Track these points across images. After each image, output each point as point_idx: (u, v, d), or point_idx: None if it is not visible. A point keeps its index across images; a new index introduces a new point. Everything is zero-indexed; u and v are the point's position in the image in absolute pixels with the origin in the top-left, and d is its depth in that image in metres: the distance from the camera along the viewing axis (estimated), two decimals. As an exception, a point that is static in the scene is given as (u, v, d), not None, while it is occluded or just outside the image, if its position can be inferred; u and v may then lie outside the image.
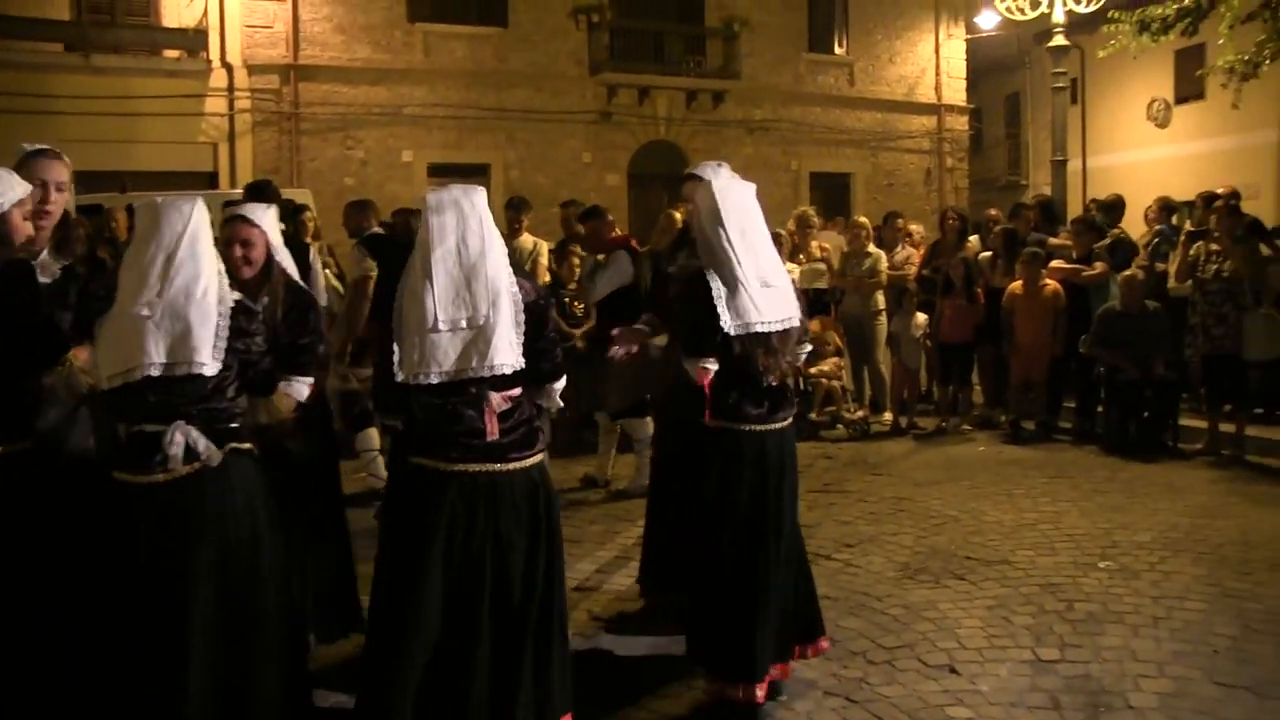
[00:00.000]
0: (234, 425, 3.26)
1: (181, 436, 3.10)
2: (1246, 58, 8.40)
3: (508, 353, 3.34)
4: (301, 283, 4.42)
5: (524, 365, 3.39)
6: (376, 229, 7.65)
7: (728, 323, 3.94)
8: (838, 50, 23.35)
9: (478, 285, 3.31)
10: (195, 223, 3.23)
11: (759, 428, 4.08)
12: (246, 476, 3.26)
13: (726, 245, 4.00)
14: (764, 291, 4.01)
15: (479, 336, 3.31)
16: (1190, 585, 5.43)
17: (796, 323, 4.13)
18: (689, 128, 21.46)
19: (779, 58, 22.29)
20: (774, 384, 4.10)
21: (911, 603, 5.20)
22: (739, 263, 3.98)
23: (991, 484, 7.70)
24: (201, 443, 3.12)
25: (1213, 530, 6.46)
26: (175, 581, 3.09)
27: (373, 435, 7.30)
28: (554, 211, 10.86)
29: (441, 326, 3.27)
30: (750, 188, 4.17)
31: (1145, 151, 26.25)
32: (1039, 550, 6.06)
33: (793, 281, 4.29)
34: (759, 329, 3.98)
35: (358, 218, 7.75)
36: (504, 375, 3.33)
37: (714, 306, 3.94)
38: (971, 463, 8.49)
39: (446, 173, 19.12)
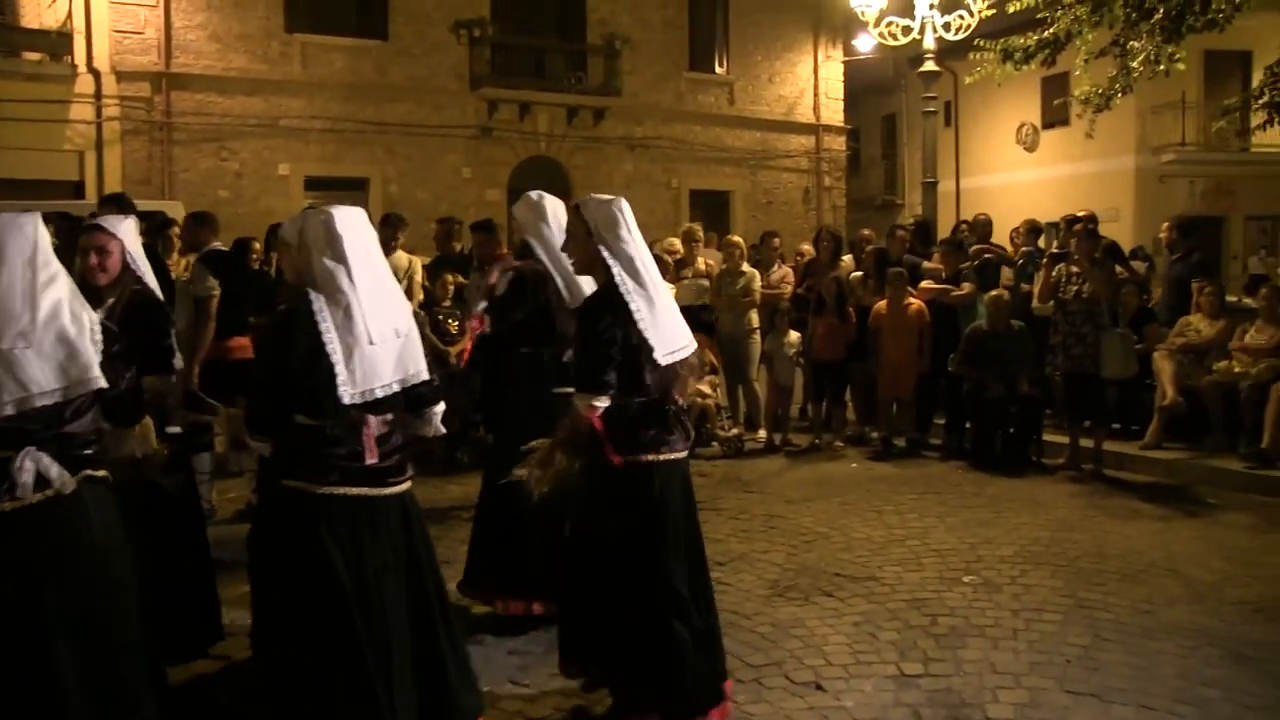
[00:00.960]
0: (88, 452, 3.13)
1: (32, 463, 2.96)
2: (1100, 90, 8.72)
3: (423, 362, 3.41)
4: (160, 294, 4.36)
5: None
6: (217, 245, 7.43)
7: (658, 349, 3.78)
8: (718, 69, 23.60)
9: (396, 298, 3.41)
10: (41, 238, 3.10)
11: (675, 456, 3.95)
12: (101, 505, 3.13)
13: (638, 264, 3.88)
14: (671, 313, 3.90)
15: (405, 348, 3.36)
16: (1048, 597, 5.60)
17: (694, 344, 4.03)
18: (570, 144, 21.48)
19: (660, 76, 22.47)
20: (675, 410, 3.96)
21: (780, 620, 5.25)
22: (652, 284, 3.85)
23: (862, 500, 7.83)
24: (54, 469, 2.99)
25: (1071, 543, 6.67)
26: (30, 612, 2.96)
27: (206, 459, 7.10)
28: (433, 227, 10.74)
29: (376, 340, 3.28)
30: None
31: (1015, 174, 27.17)
32: (906, 566, 6.18)
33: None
34: (680, 355, 3.86)
35: (198, 232, 7.45)
36: (380, 400, 3.32)
37: (638, 331, 3.76)
38: (843, 480, 8.62)
39: (324, 186, 18.84)
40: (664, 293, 3.90)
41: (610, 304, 3.80)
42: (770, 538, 6.82)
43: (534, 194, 5.30)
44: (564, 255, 4.36)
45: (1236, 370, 9.07)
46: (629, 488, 3.85)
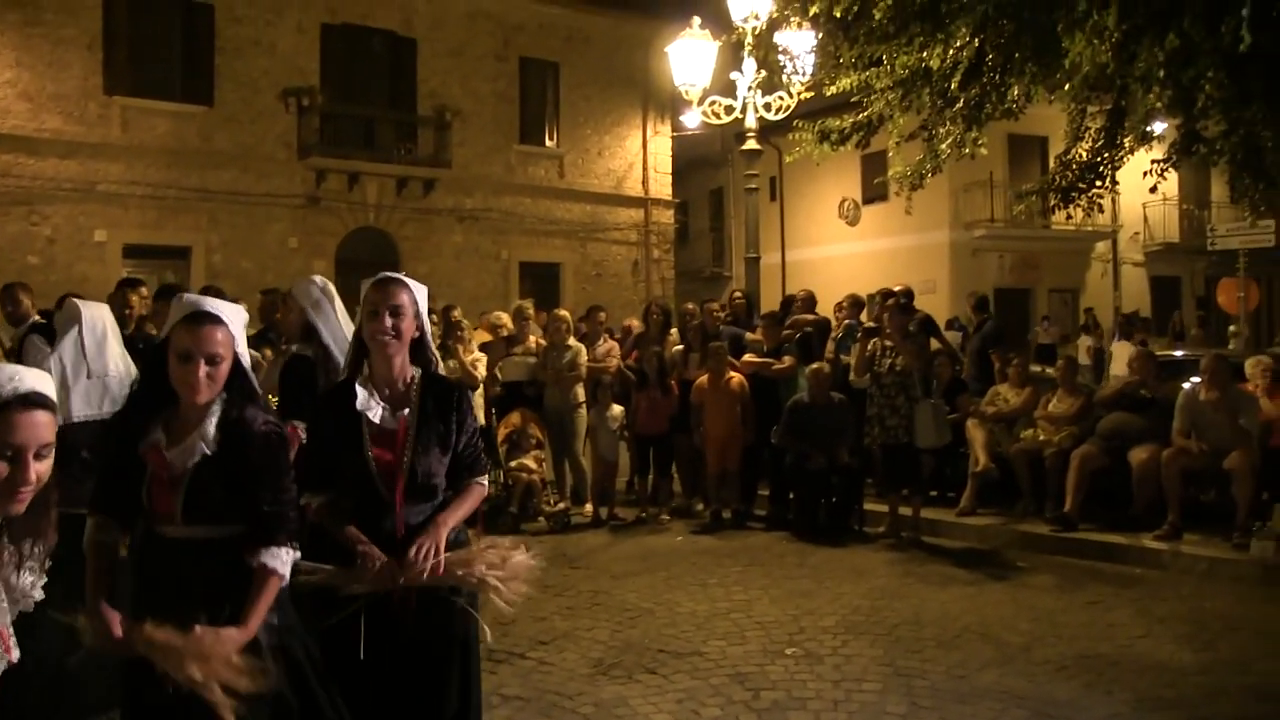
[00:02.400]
0: None
1: None
2: (912, 170, 9.13)
3: None
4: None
5: None
6: (36, 316, 7.13)
7: None
8: (548, 143, 23.82)
9: None
10: None
11: None
12: None
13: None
14: None
15: None
16: (868, 667, 5.69)
17: None
18: (399, 215, 21.29)
19: (490, 148, 22.55)
20: None
21: (603, 700, 5.19)
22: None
23: (687, 574, 7.84)
24: None
25: (890, 611, 6.81)
26: None
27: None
28: (257, 298, 10.44)
29: None
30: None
31: (838, 247, 28.11)
32: (730, 640, 6.19)
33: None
34: None
35: (16, 302, 7.18)
36: None
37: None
38: (669, 553, 8.64)
39: (144, 254, 18.26)
40: None
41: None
42: (595, 614, 6.77)
43: (318, 278, 5.26)
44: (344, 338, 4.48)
45: (1041, 438, 9.51)
46: None
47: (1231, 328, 20.71)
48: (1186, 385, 9.07)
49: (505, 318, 10.58)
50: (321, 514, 3.38)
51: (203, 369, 2.92)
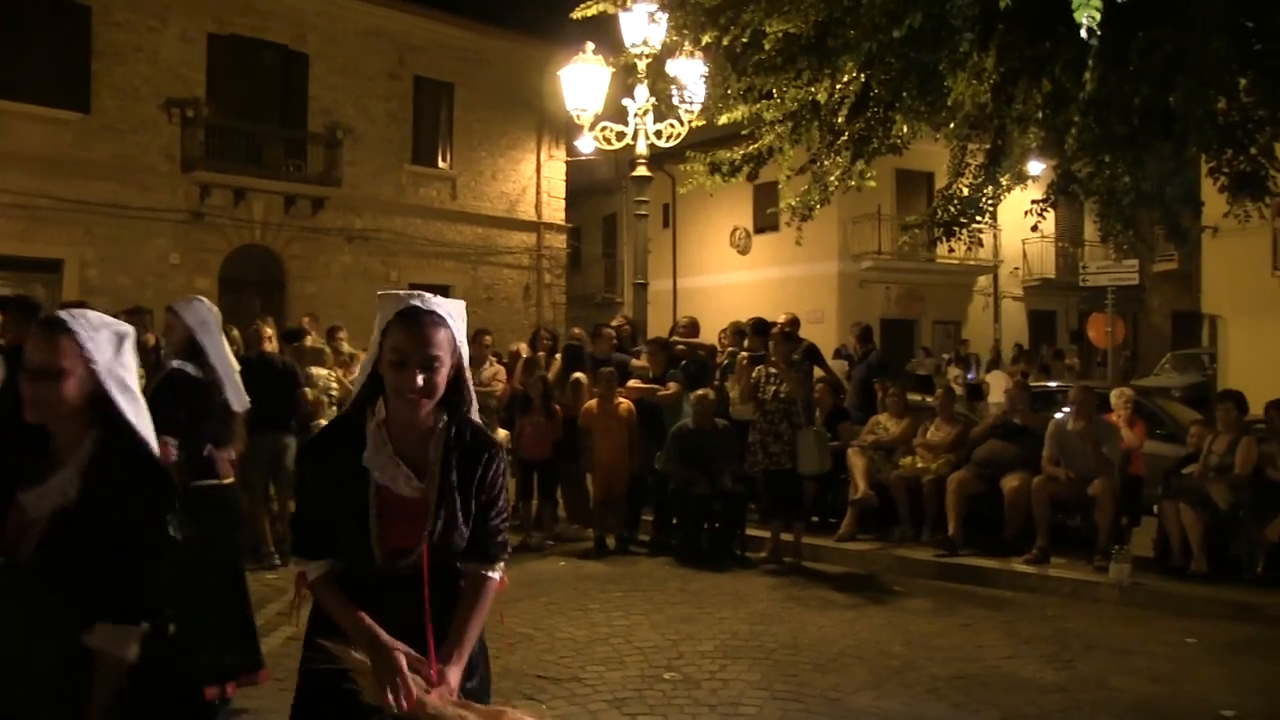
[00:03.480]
0: None
1: None
2: (800, 202, 9.30)
3: None
4: None
5: None
6: None
7: None
8: (441, 164, 23.67)
9: None
10: None
11: None
12: None
13: None
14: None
15: None
16: (745, 690, 5.76)
17: None
18: (286, 233, 20.89)
19: (382, 167, 22.32)
20: None
21: (480, 728, 5.15)
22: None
23: (569, 600, 7.85)
24: None
25: (769, 635, 6.90)
26: None
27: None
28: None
29: None
30: None
31: (730, 275, 28.42)
32: (609, 665, 6.21)
33: None
34: None
35: None
36: None
37: None
38: (551, 579, 8.63)
39: (12, 267, 17.54)
40: None
41: None
42: (475, 640, 6.71)
43: (205, 300, 5.29)
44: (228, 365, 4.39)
45: (919, 465, 9.75)
46: None
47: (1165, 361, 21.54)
48: (1059, 415, 9.39)
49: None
50: (319, 588, 2.64)
51: (420, 376, 2.55)
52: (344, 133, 21.25)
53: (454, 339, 2.65)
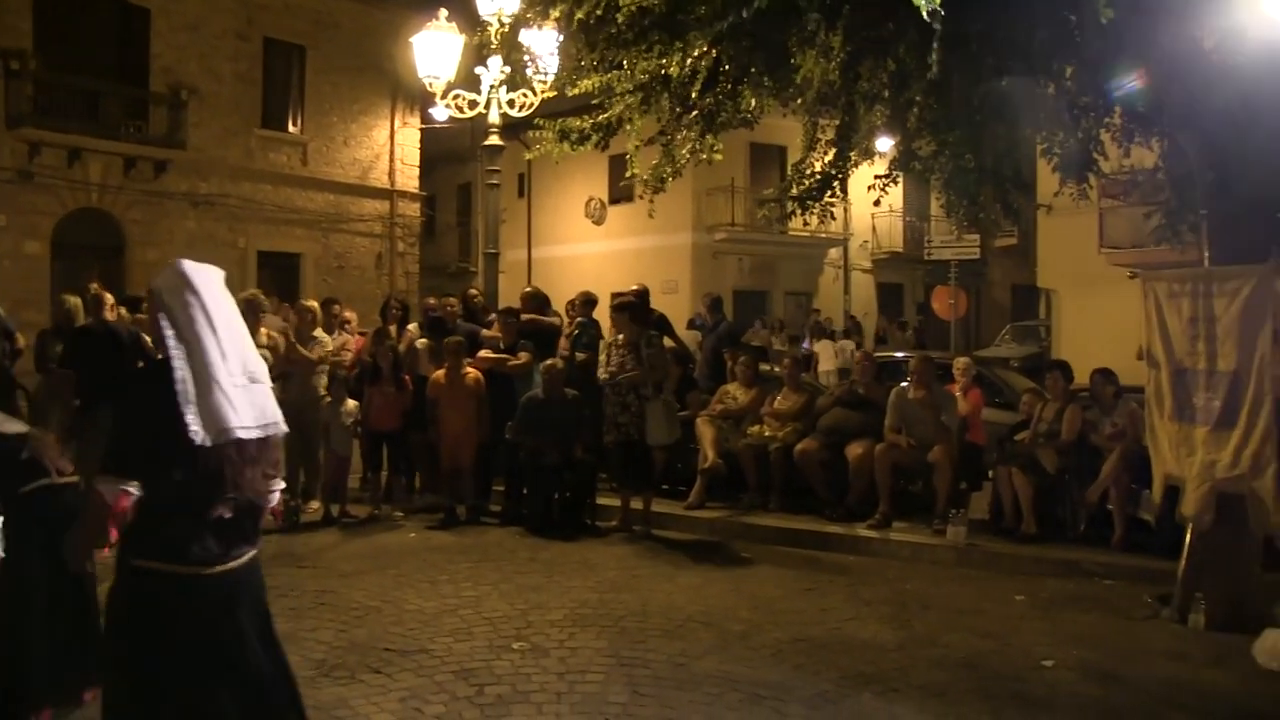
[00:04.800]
0: None
1: None
2: (652, 174, 9.34)
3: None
4: None
5: None
6: None
7: (197, 429, 3.12)
8: (291, 129, 23.09)
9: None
10: None
11: (218, 569, 3.27)
12: None
13: (201, 331, 3.24)
14: (249, 389, 3.31)
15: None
16: (592, 658, 5.83)
17: (283, 426, 3.43)
18: (126, 196, 20.06)
19: (229, 130, 21.63)
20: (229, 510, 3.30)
21: (323, 702, 5.08)
22: (221, 353, 3.25)
23: (418, 571, 7.80)
24: None
25: (617, 603, 6.99)
26: None
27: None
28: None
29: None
30: (220, 272, 3.48)
31: (585, 245, 28.46)
32: (457, 636, 6.20)
33: None
34: (240, 434, 3.22)
35: None
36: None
37: (175, 408, 3.11)
38: (400, 551, 8.57)
39: None
40: (238, 364, 3.33)
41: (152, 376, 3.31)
42: (320, 614, 6.63)
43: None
44: None
45: (766, 434, 9.96)
46: (153, 602, 3.23)
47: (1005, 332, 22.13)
48: (901, 385, 9.69)
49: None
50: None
51: None
52: (189, 93, 20.52)
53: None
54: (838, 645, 6.21)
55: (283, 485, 3.52)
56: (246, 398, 3.26)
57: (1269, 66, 5.45)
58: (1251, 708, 5.44)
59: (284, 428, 3.41)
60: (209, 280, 3.33)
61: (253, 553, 3.39)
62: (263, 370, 3.39)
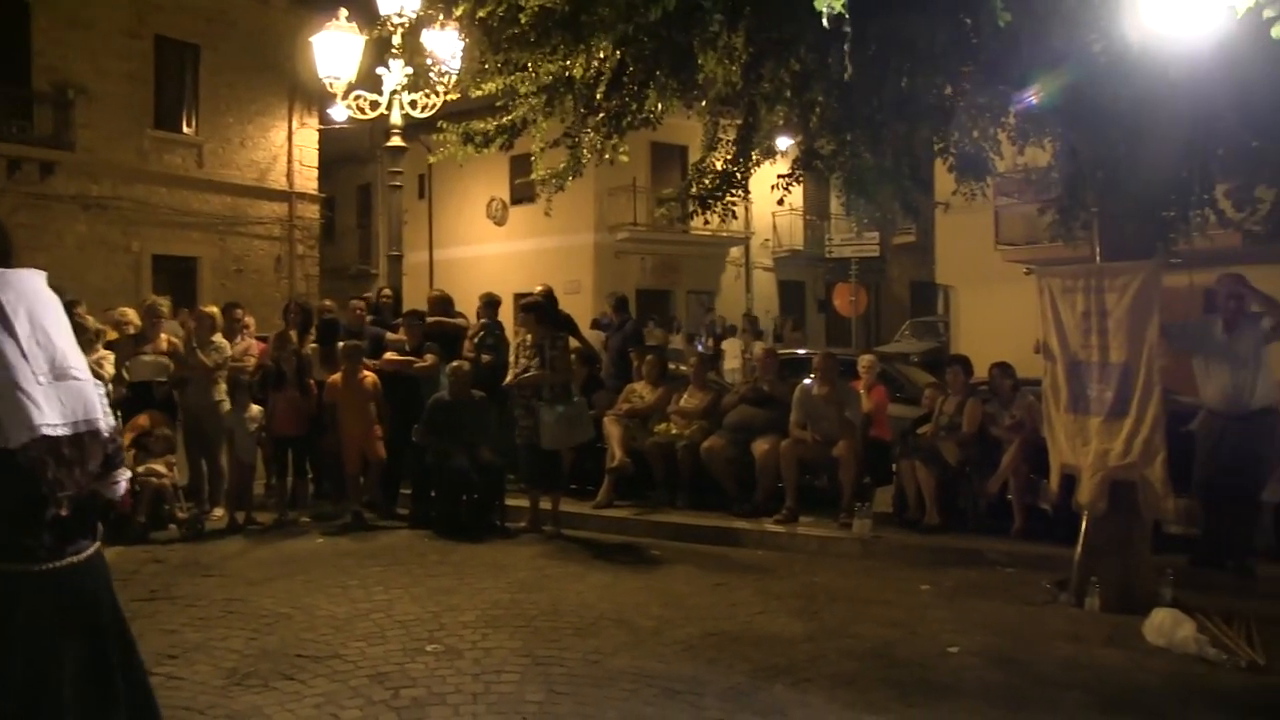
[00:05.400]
0: None
1: None
2: (555, 174, 9.35)
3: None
4: None
5: None
6: None
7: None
8: (186, 129, 22.53)
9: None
10: None
11: (53, 565, 3.20)
12: None
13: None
14: (58, 386, 3.23)
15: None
16: (507, 658, 5.83)
17: (102, 426, 3.35)
18: (11, 200, 19.32)
19: (120, 131, 21.02)
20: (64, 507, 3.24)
21: (236, 711, 5.03)
22: (22, 353, 3.15)
23: (327, 577, 7.71)
24: None
25: (530, 603, 7.00)
26: None
27: None
28: None
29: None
30: (39, 273, 3.37)
31: (487, 246, 28.32)
32: (370, 640, 6.15)
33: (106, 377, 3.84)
34: (46, 432, 3.15)
35: None
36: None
37: None
38: (308, 557, 8.46)
39: None
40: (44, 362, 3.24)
41: None
42: (229, 623, 6.52)
43: None
44: None
45: (673, 432, 10.05)
46: None
47: (904, 328, 22.49)
48: (806, 381, 9.85)
49: (132, 314, 9.93)
50: None
51: None
52: (76, 93, 19.89)
53: None
54: (749, 638, 6.30)
55: (128, 475, 3.48)
56: (55, 394, 3.19)
57: (1153, 71, 5.66)
58: (1140, 683, 5.66)
59: (104, 424, 3.34)
60: (8, 283, 3.21)
61: (94, 547, 3.34)
62: (81, 367, 3.31)
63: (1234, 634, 6.19)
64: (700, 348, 20.20)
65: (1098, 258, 7.33)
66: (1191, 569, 7.47)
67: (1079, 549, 7.22)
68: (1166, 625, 6.23)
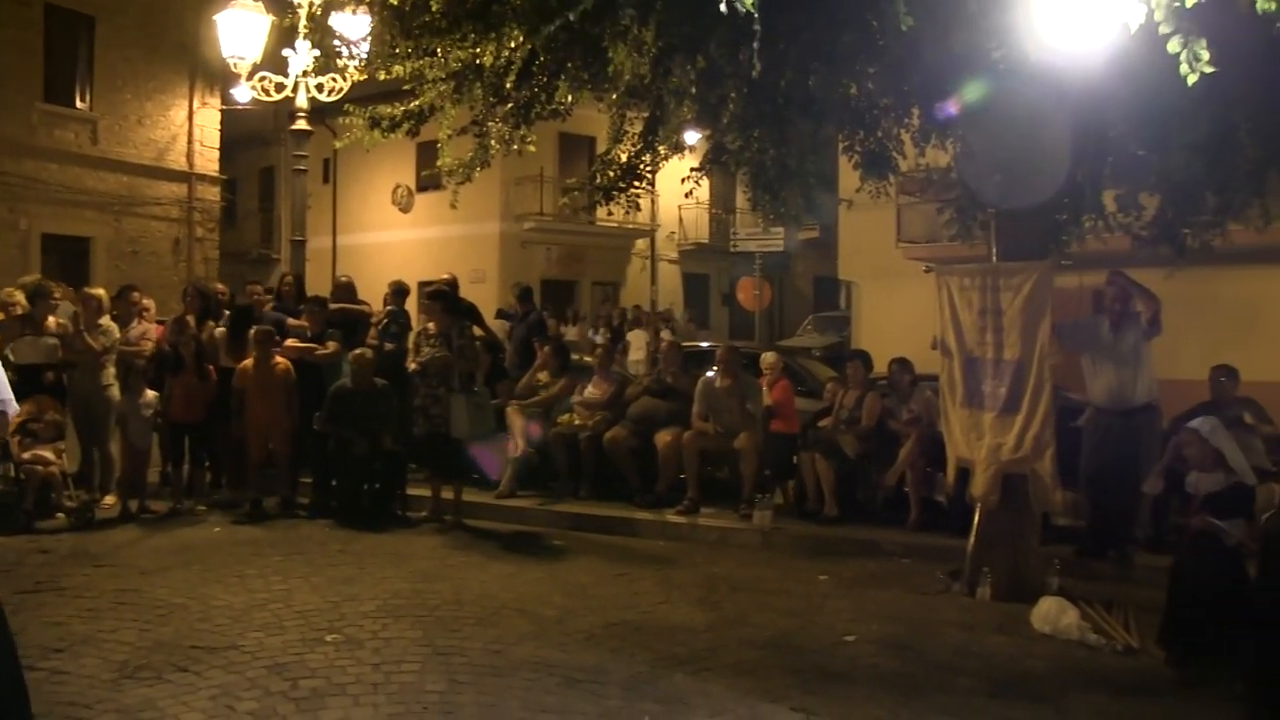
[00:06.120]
0: None
1: None
2: (461, 163, 9.29)
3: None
4: None
5: None
6: None
7: None
8: (80, 104, 21.78)
9: None
10: None
11: None
12: None
13: None
14: None
15: None
16: (408, 648, 5.81)
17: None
18: (-114, 173, 18.62)
19: (7, 105, 20.13)
20: None
21: (127, 705, 4.91)
22: None
23: (225, 566, 7.58)
24: None
25: (431, 593, 6.98)
26: None
27: None
28: None
29: None
30: None
31: (392, 233, 27.99)
32: (268, 631, 6.08)
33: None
34: None
35: None
36: None
37: None
38: (205, 546, 8.31)
39: None
40: None
41: None
42: (120, 614, 6.36)
43: None
44: None
45: (576, 422, 10.08)
46: None
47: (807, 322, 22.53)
48: (708, 374, 9.94)
49: (19, 295, 9.63)
50: None
51: None
52: (-43, 62, 19.16)
53: None
54: (650, 628, 6.37)
55: None
56: None
57: (1049, 80, 5.84)
58: (1027, 668, 5.86)
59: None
60: None
61: None
62: None
63: (1113, 620, 6.46)
64: (597, 338, 20.22)
65: (994, 257, 7.53)
66: (1077, 559, 7.74)
67: (972, 540, 7.43)
68: (1052, 613, 6.46)
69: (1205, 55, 4.19)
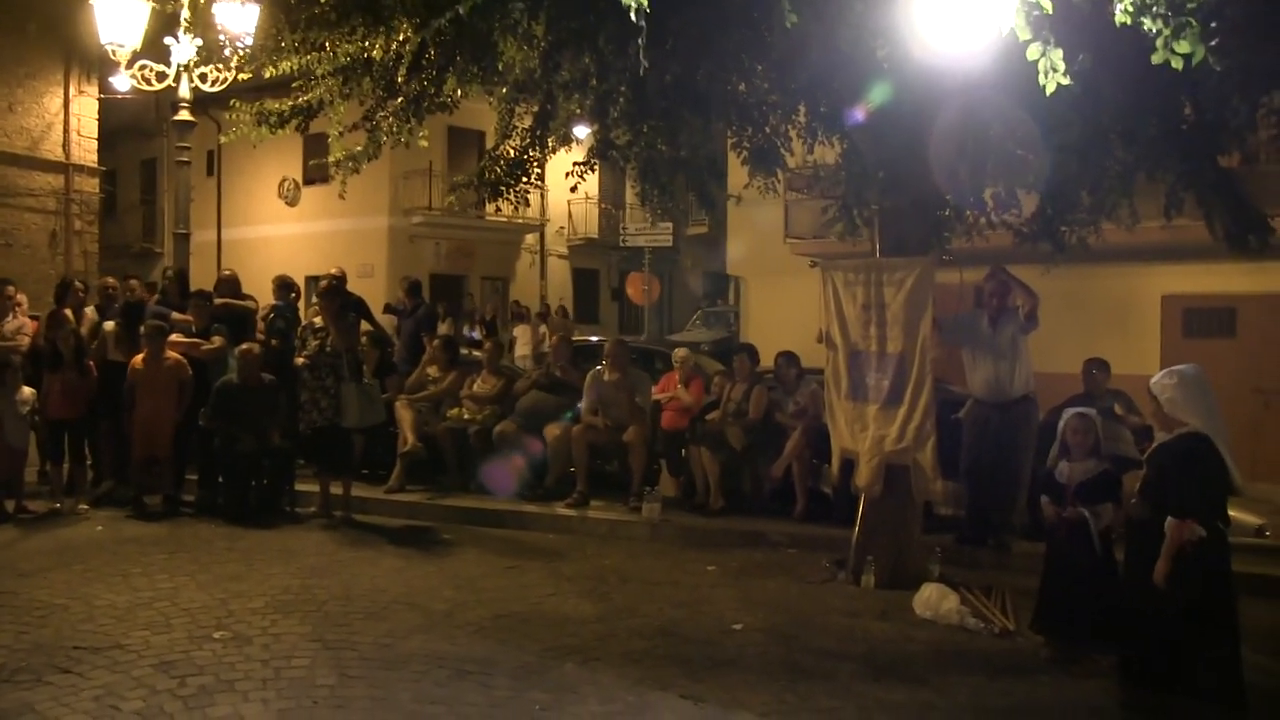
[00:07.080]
0: None
1: None
2: (350, 157, 9.20)
3: None
4: None
5: None
6: None
7: None
8: (-54, 89, 20.99)
9: None
10: None
11: None
12: None
13: None
14: None
15: None
16: (297, 643, 5.79)
17: None
18: None
19: None
20: None
21: (4, 709, 4.80)
22: None
23: (108, 566, 7.43)
24: None
25: (320, 589, 6.95)
26: None
27: None
28: None
29: None
30: None
31: (278, 227, 27.46)
32: (154, 629, 6.00)
33: None
34: None
35: None
36: None
37: None
38: (86, 545, 8.11)
39: None
40: None
41: None
42: (-4, 616, 6.22)
43: None
44: None
45: (466, 417, 10.08)
46: None
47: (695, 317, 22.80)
48: (597, 368, 10.01)
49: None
50: None
51: None
52: None
53: None
54: (540, 620, 6.43)
55: None
56: None
57: (930, 80, 6.02)
58: (908, 652, 6.07)
59: None
60: None
61: None
62: None
63: (991, 605, 6.71)
64: (472, 336, 20.15)
65: (878, 253, 7.74)
66: (957, 547, 7.99)
67: (856, 530, 7.63)
68: (933, 599, 6.69)
69: (1061, 66, 4.39)
